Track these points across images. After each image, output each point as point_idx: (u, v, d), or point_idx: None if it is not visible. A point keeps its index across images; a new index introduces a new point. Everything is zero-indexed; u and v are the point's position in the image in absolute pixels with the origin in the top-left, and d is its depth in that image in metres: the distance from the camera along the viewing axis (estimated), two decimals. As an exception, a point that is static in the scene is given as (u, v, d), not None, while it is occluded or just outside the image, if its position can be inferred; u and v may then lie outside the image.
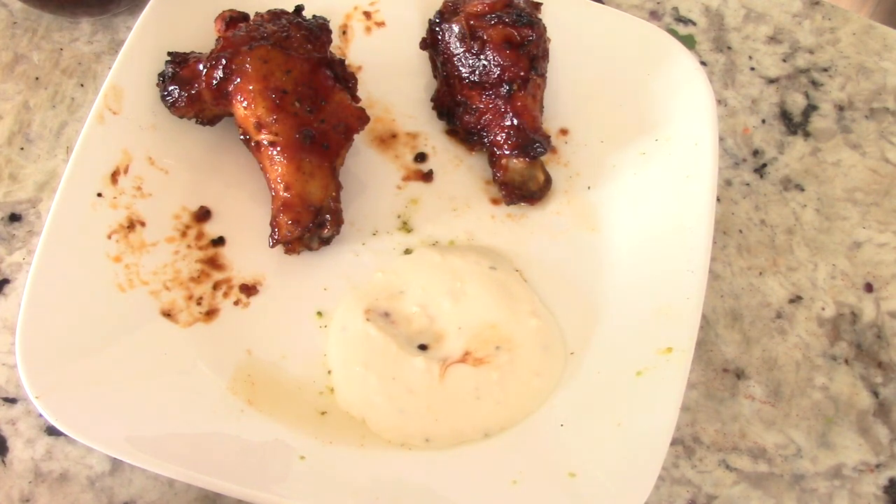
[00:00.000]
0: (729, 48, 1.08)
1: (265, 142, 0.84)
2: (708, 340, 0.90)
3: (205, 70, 0.86)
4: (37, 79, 1.01)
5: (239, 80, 0.84)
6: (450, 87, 0.93)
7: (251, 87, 0.84)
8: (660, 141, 0.92)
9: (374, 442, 0.79)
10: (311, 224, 0.85)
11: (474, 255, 0.88)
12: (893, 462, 0.86)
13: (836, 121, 1.04)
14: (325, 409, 0.81)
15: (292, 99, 0.84)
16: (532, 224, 0.93)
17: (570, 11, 0.97)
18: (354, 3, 0.99)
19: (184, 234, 0.88)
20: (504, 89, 0.89)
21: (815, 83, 1.06)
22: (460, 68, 0.91)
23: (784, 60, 1.07)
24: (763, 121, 1.04)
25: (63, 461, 0.82)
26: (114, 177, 0.85)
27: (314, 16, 0.91)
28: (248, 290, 0.86)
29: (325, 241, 0.88)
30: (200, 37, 0.92)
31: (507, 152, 0.90)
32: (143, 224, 0.86)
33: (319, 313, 0.86)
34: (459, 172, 0.95)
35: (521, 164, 0.90)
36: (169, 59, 0.89)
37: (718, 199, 0.97)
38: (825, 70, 1.07)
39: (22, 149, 0.96)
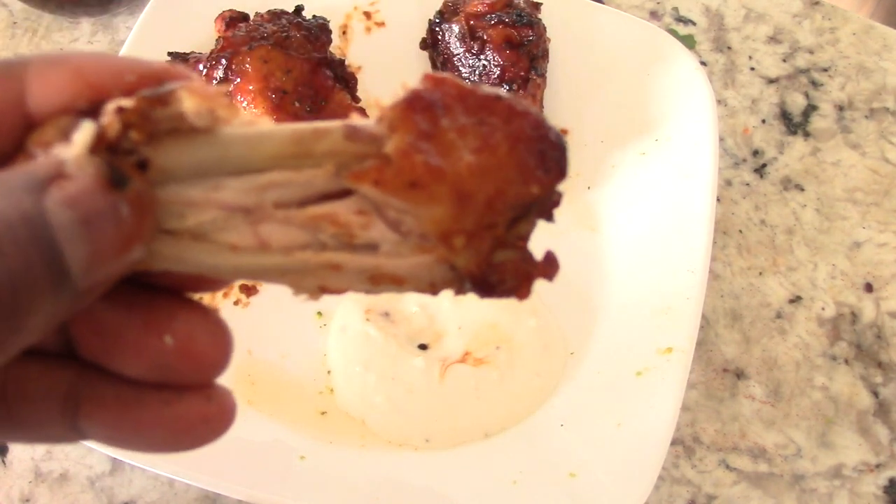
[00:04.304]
0: (729, 48, 1.08)
1: (265, 142, 0.84)
2: (708, 340, 0.90)
3: (205, 70, 0.86)
4: (37, 79, 1.01)
5: (239, 80, 0.84)
6: (450, 88, 0.93)
7: (251, 88, 0.84)
8: (660, 141, 0.92)
9: (374, 442, 0.79)
10: (311, 224, 0.85)
11: (474, 255, 0.88)
12: (893, 462, 0.86)
13: (836, 121, 1.04)
14: (325, 409, 0.81)
15: (292, 99, 0.84)
16: (532, 224, 0.92)
17: (569, 11, 0.97)
18: (354, 3, 1.00)
19: (184, 234, 0.88)
20: (504, 89, 0.89)
21: (814, 83, 1.06)
22: (460, 68, 0.91)
23: (784, 60, 1.08)
24: (763, 121, 1.04)
25: (63, 461, 0.82)
26: (114, 177, 0.85)
27: (314, 16, 0.91)
28: (248, 289, 0.86)
29: (326, 241, 0.88)
30: (200, 37, 0.92)
31: (507, 152, 0.90)
32: (143, 224, 0.85)
33: (319, 313, 0.86)
34: (459, 172, 0.95)
35: (521, 164, 0.90)
36: (169, 59, 0.89)
37: (718, 199, 0.97)
38: (825, 70, 1.07)
39: (22, 149, 0.96)
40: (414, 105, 0.31)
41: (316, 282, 0.34)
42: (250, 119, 0.32)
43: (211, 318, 0.34)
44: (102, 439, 0.34)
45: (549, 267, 0.34)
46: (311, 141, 0.31)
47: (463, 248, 0.32)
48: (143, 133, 0.30)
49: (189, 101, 0.30)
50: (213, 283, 0.36)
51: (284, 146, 0.31)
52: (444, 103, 0.31)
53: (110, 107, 0.30)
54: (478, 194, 0.31)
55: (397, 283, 0.33)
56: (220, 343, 0.34)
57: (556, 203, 0.33)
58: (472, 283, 0.33)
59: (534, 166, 0.32)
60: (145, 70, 0.32)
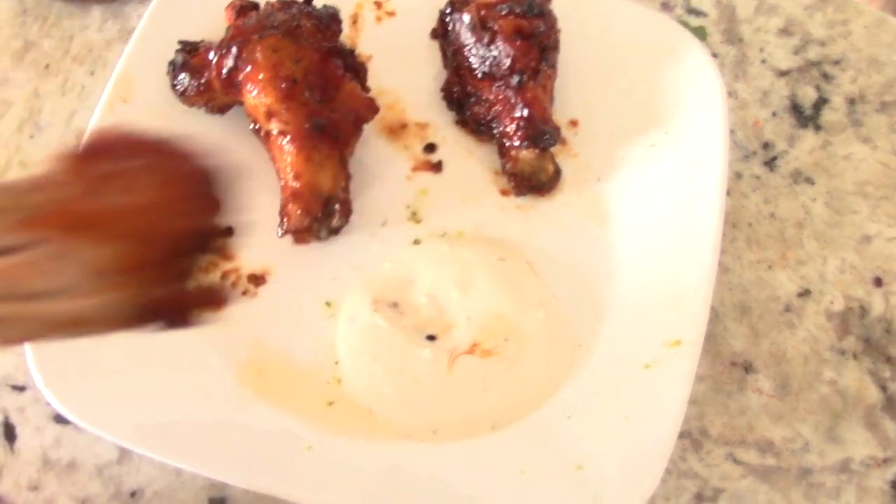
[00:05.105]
0: (740, 40, 1.08)
1: (275, 131, 0.84)
2: (716, 333, 0.90)
3: (215, 59, 0.86)
4: (47, 66, 1.01)
5: (249, 68, 0.84)
6: (460, 78, 0.93)
7: (261, 77, 0.84)
8: (670, 133, 0.92)
9: (382, 433, 0.79)
10: (320, 214, 0.84)
11: (483, 246, 0.88)
12: (901, 457, 0.86)
13: (847, 114, 1.03)
14: (332, 400, 0.81)
15: (302, 88, 0.84)
16: (541, 215, 0.92)
17: (580, 2, 0.97)
18: (364, -7, 1.00)
19: (193, 223, 0.88)
20: (514, 80, 0.89)
21: (826, 76, 1.06)
22: (471, 59, 0.91)
23: (795, 53, 1.07)
24: (774, 113, 1.03)
25: (71, 449, 0.82)
26: (123, 165, 0.85)
27: (324, 5, 0.91)
28: (257, 279, 0.86)
29: (335, 231, 0.88)
30: (211, 25, 0.92)
31: (516, 143, 0.90)
32: (152, 213, 0.86)
33: (328, 303, 0.86)
34: (469, 163, 0.95)
35: (530, 155, 0.90)
36: (179, 47, 0.89)
37: (728, 192, 0.96)
38: (836, 63, 1.06)
39: (32, 136, 0.97)
40: (86, 155, 0.33)
41: None
42: None
43: None
44: None
45: (209, 300, 0.38)
46: None
47: (136, 283, 0.34)
48: None
49: None
50: None
51: None
52: (114, 151, 0.33)
53: None
54: (148, 231, 0.34)
55: (82, 325, 0.35)
56: None
57: (229, 234, 0.37)
58: (153, 314, 0.36)
59: (194, 201, 0.34)
60: None
